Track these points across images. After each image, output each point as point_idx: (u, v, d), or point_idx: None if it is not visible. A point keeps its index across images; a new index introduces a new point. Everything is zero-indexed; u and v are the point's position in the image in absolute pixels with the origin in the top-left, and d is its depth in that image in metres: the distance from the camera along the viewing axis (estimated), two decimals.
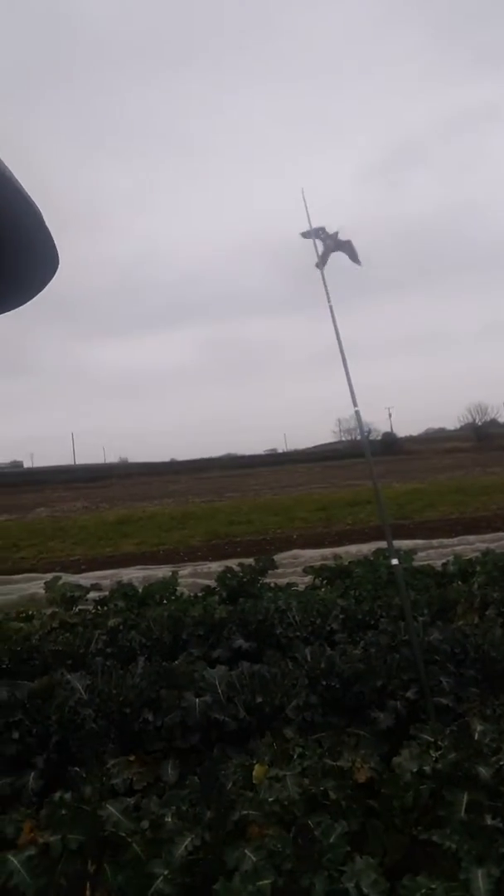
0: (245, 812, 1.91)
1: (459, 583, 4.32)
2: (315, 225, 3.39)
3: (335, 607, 3.66)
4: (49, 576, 5.79)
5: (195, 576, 7.69)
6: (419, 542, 9.19)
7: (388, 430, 55.73)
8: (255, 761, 2.19)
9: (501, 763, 2.01)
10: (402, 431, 58.35)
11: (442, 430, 66.65)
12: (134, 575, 8.02)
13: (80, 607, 4.50)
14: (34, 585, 7.45)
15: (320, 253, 3.34)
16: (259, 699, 2.62)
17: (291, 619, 3.54)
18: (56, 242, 0.68)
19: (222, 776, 2.13)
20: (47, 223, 0.67)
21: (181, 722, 2.58)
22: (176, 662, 3.04)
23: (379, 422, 56.78)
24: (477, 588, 3.98)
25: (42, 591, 5.10)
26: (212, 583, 4.85)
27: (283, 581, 5.05)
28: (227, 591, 4.50)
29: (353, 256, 3.41)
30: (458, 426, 60.77)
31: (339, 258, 3.35)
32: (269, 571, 5.02)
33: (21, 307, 0.74)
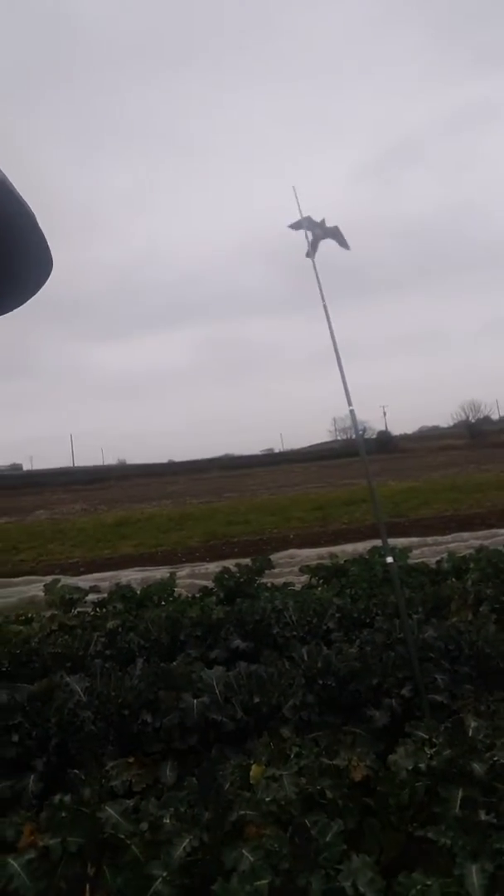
0: (242, 812, 1.93)
1: (454, 580, 4.35)
2: (305, 217, 3.41)
3: (331, 606, 3.68)
4: (48, 578, 5.82)
5: (193, 576, 7.70)
6: (414, 539, 9.23)
7: (383, 428, 55.75)
8: (252, 761, 2.21)
9: (495, 759, 2.03)
10: (396, 430, 58.38)
11: (436, 428, 66.74)
12: (132, 576, 8.03)
13: (78, 609, 4.51)
14: (34, 588, 7.46)
15: (309, 242, 3.37)
16: (256, 699, 2.64)
17: (288, 619, 3.56)
18: (50, 245, 0.69)
19: (220, 777, 2.15)
20: (41, 226, 0.68)
21: (179, 723, 2.59)
22: (174, 663, 3.06)
23: (374, 420, 56.86)
24: (471, 585, 4.01)
25: (41, 594, 5.12)
26: (209, 583, 4.87)
27: (279, 581, 5.08)
28: (225, 592, 4.52)
29: (342, 241, 3.44)
30: (451, 424, 60.93)
31: (329, 250, 3.37)
32: (266, 571, 5.04)
33: (16, 310, 0.75)
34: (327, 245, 3.37)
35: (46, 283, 0.73)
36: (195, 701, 2.63)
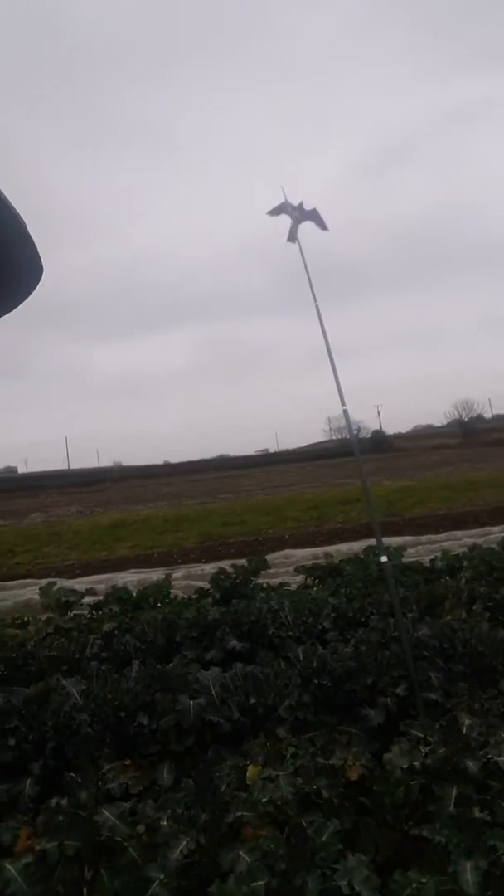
0: (239, 813, 1.93)
1: (447, 578, 4.36)
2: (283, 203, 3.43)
3: (326, 606, 3.69)
4: (44, 581, 5.81)
5: (189, 578, 7.72)
6: (408, 538, 9.26)
7: (378, 427, 55.82)
8: (248, 762, 2.22)
9: (489, 757, 2.05)
10: (390, 429, 58.42)
11: (430, 427, 66.86)
12: (128, 578, 8.03)
13: (74, 612, 4.51)
14: (29, 591, 7.46)
15: (289, 227, 3.38)
16: (252, 700, 2.65)
17: (284, 619, 3.57)
18: (40, 251, 0.70)
19: (217, 778, 2.16)
20: (32, 232, 0.68)
21: (176, 725, 2.60)
22: (170, 665, 3.06)
23: (368, 419, 56.85)
24: (464, 583, 4.02)
25: (37, 597, 5.11)
26: (205, 584, 4.87)
27: (275, 581, 5.09)
28: (221, 593, 4.52)
29: (320, 223, 3.46)
30: (445, 423, 61.02)
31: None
32: (262, 572, 5.05)
33: (5, 316, 0.75)
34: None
35: (36, 289, 0.74)
36: (191, 702, 2.63)
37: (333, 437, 56.86)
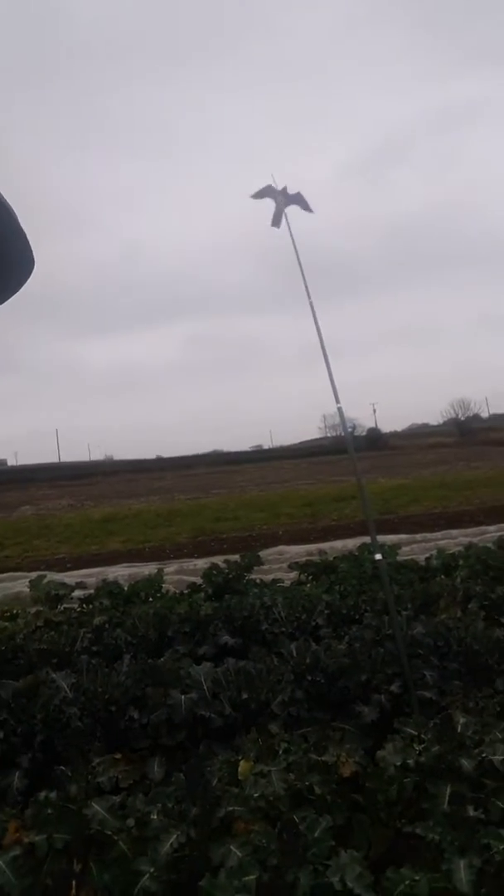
0: (231, 808, 1.92)
1: (442, 577, 4.37)
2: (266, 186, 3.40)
3: (320, 603, 3.68)
4: (34, 574, 5.77)
5: (181, 573, 7.69)
6: (403, 536, 9.26)
7: (373, 425, 55.91)
8: (240, 757, 2.20)
9: (483, 755, 2.03)
10: (386, 427, 58.48)
11: (426, 426, 67.00)
12: (120, 573, 8.00)
13: (65, 606, 4.48)
14: (19, 584, 7.41)
15: (273, 211, 3.35)
16: (245, 695, 2.63)
17: (277, 615, 3.56)
18: (32, 245, 0.68)
19: (208, 773, 2.14)
20: (24, 225, 0.66)
21: (167, 719, 2.58)
22: (161, 660, 3.04)
23: (364, 417, 57.01)
24: (459, 582, 4.02)
25: (27, 590, 5.07)
26: (198, 580, 4.86)
27: (268, 577, 5.07)
28: (213, 588, 4.50)
29: (305, 206, 3.44)
30: (441, 422, 61.19)
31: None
32: (255, 568, 5.03)
33: None
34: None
35: (28, 282, 0.72)
36: (183, 697, 2.62)
37: (328, 435, 56.88)
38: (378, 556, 3.00)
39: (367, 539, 4.60)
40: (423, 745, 2.15)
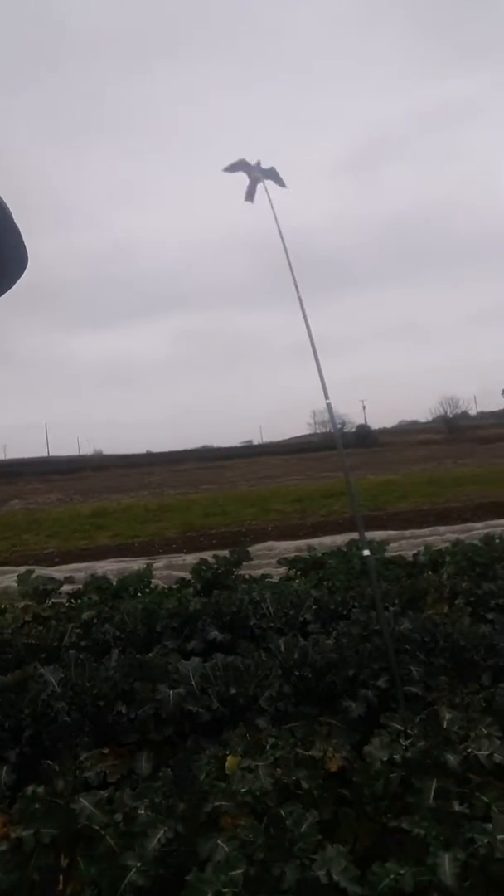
0: (218, 803, 1.93)
1: (430, 573, 4.38)
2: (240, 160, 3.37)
3: (308, 598, 3.69)
4: (22, 569, 5.75)
5: (170, 568, 7.69)
6: (391, 532, 9.30)
7: (363, 422, 56.04)
8: (228, 752, 2.21)
9: (469, 750, 2.05)
10: (375, 424, 58.58)
11: (415, 423, 67.23)
12: (108, 567, 7.99)
13: (53, 600, 4.46)
14: (7, 579, 7.38)
15: (248, 185, 3.33)
16: (233, 690, 2.64)
17: (265, 611, 3.57)
18: (26, 240, 0.68)
19: (195, 768, 2.15)
20: (17, 221, 0.66)
21: (155, 714, 2.58)
22: (150, 655, 3.04)
23: (353, 414, 57.09)
24: (446, 578, 4.04)
25: (15, 585, 5.05)
26: (187, 575, 4.85)
27: (257, 573, 5.07)
28: (202, 583, 4.50)
29: (279, 181, 3.41)
30: (430, 419, 61.45)
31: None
32: (244, 563, 5.03)
33: None
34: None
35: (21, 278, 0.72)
36: (171, 692, 2.62)
37: (318, 431, 57.04)
38: (366, 552, 3.01)
39: (355, 535, 4.61)
40: (409, 741, 2.16)
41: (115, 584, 4.64)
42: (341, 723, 2.52)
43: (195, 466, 38.39)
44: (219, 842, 1.77)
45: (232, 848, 1.73)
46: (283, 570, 5.37)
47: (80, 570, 7.72)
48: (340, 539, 7.82)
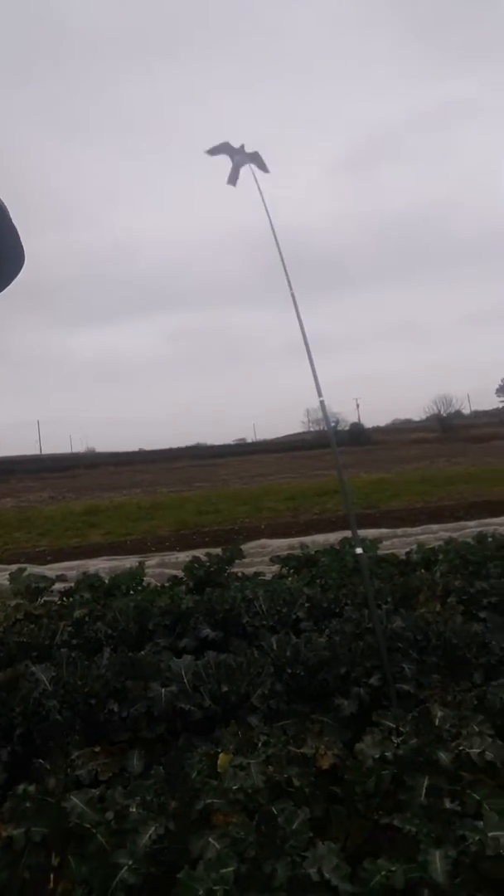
0: (210, 801, 1.92)
1: (422, 571, 4.39)
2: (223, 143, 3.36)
3: (301, 596, 3.69)
4: (14, 567, 5.73)
5: (163, 566, 7.67)
6: (384, 531, 9.31)
7: (356, 420, 56.12)
8: (220, 750, 2.21)
9: (461, 748, 2.06)
10: (369, 422, 58.66)
11: (409, 422, 67.34)
12: (100, 566, 7.96)
13: (45, 599, 4.45)
14: None
15: (231, 169, 3.32)
16: (225, 688, 2.64)
17: (258, 609, 3.57)
18: (23, 239, 0.67)
19: (187, 765, 2.14)
20: (15, 220, 0.65)
21: (147, 712, 2.58)
22: (142, 653, 3.04)
23: (347, 412, 57.16)
24: (439, 576, 4.05)
25: (7, 583, 5.04)
26: (179, 573, 4.84)
27: (250, 570, 5.07)
28: (195, 581, 4.50)
29: (262, 166, 3.41)
30: (424, 417, 61.57)
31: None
32: (237, 561, 5.04)
33: None
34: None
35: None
36: (163, 690, 2.61)
37: (312, 429, 57.04)
38: (359, 550, 3.01)
39: (348, 533, 4.61)
40: (401, 738, 2.17)
41: (107, 582, 4.63)
42: (333, 720, 2.52)
43: (188, 464, 38.34)
44: (210, 839, 1.77)
45: (223, 845, 1.73)
46: (275, 567, 5.38)
47: (72, 569, 7.69)
48: (333, 537, 7.82)
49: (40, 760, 2.31)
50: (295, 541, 8.39)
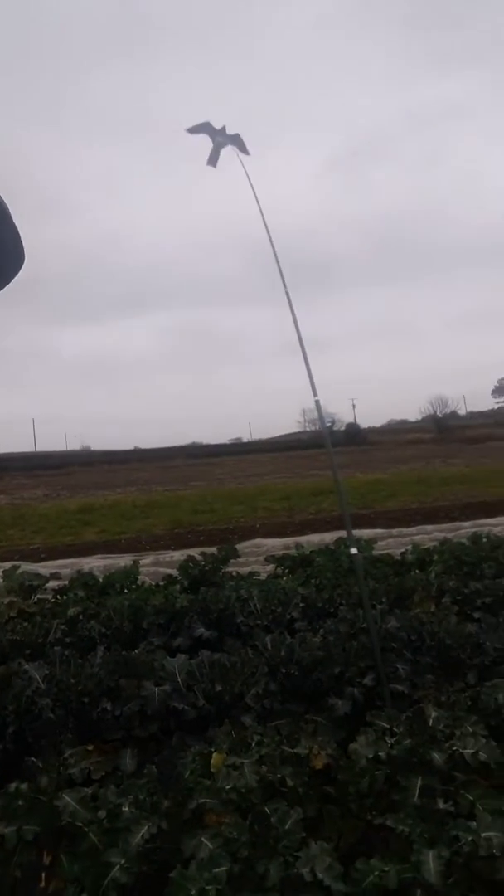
0: (203, 800, 1.92)
1: (417, 571, 4.40)
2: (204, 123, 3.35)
3: (296, 596, 3.69)
4: (7, 564, 5.71)
5: (157, 565, 7.66)
6: (379, 531, 9.32)
7: (352, 420, 56.22)
8: (213, 749, 2.20)
9: (454, 749, 2.06)
10: (365, 423, 58.85)
11: (404, 422, 67.51)
12: (95, 564, 7.94)
13: (38, 596, 4.44)
14: None
15: (211, 150, 3.32)
16: (219, 687, 2.63)
17: (253, 608, 3.56)
18: (23, 238, 0.66)
19: (180, 765, 2.14)
20: (15, 220, 0.64)
21: (140, 711, 2.57)
22: (136, 651, 3.03)
23: (343, 412, 57.28)
24: (434, 577, 4.06)
25: (0, 581, 5.02)
26: (174, 572, 4.83)
27: (245, 570, 5.08)
28: (189, 580, 4.49)
29: (242, 148, 3.41)
30: (419, 418, 61.72)
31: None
32: (232, 560, 5.03)
33: None
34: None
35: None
36: (157, 689, 2.61)
37: (307, 429, 57.10)
38: (354, 551, 3.00)
39: (343, 533, 4.61)
40: (394, 738, 2.17)
41: (101, 580, 4.62)
42: (327, 720, 2.52)
43: (184, 463, 38.34)
44: (203, 839, 1.76)
45: (216, 845, 1.73)
46: (270, 567, 5.37)
47: (66, 567, 7.68)
48: (328, 537, 7.83)
49: (33, 759, 2.30)
50: (290, 540, 8.39)
